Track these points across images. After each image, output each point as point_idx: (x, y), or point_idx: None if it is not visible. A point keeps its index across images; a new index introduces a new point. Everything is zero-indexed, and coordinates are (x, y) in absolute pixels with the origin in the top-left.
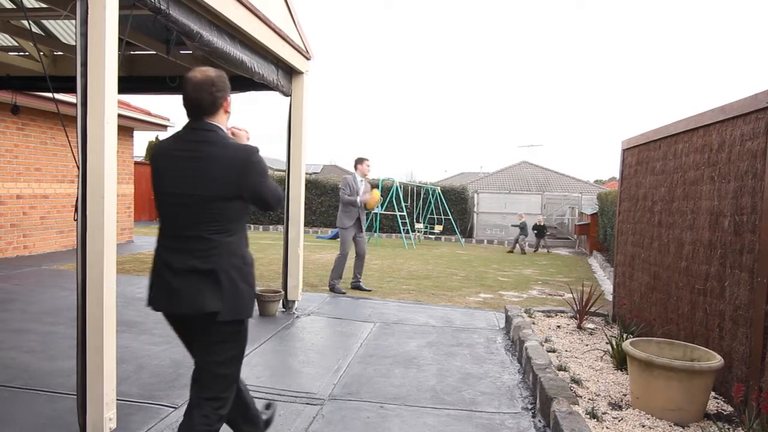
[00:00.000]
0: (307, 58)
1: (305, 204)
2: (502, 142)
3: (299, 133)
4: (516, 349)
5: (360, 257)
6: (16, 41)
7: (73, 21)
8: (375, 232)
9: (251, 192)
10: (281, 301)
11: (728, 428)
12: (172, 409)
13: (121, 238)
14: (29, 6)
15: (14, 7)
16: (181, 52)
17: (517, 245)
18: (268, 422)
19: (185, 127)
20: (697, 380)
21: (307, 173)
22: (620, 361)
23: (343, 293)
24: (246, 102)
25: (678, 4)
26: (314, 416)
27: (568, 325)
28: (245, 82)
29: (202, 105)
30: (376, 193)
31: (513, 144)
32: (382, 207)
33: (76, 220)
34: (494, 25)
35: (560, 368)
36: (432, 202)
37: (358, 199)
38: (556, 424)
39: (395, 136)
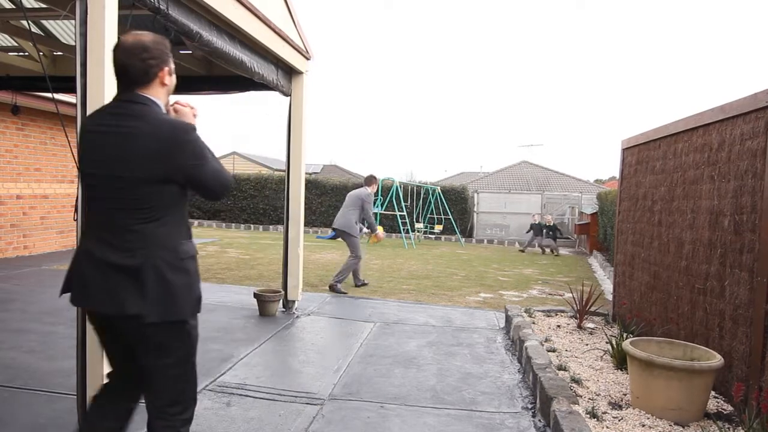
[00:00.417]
0: (307, 58)
1: (305, 204)
2: (502, 142)
3: (299, 133)
4: (516, 348)
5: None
6: (15, 41)
7: (73, 21)
8: (374, 231)
9: (185, 176)
10: (281, 301)
11: (728, 428)
12: None
13: None
14: (29, 6)
15: (14, 7)
16: (181, 51)
17: (536, 246)
18: None
19: (113, 99)
20: (697, 380)
21: (307, 173)
22: (620, 360)
23: (345, 293)
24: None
25: (678, 4)
26: (314, 416)
27: (568, 324)
28: (245, 81)
29: (131, 73)
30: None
31: (513, 144)
32: (382, 207)
33: (76, 220)
34: (494, 24)
35: (560, 368)
36: (432, 201)
37: (379, 230)
38: (556, 424)
39: (395, 135)
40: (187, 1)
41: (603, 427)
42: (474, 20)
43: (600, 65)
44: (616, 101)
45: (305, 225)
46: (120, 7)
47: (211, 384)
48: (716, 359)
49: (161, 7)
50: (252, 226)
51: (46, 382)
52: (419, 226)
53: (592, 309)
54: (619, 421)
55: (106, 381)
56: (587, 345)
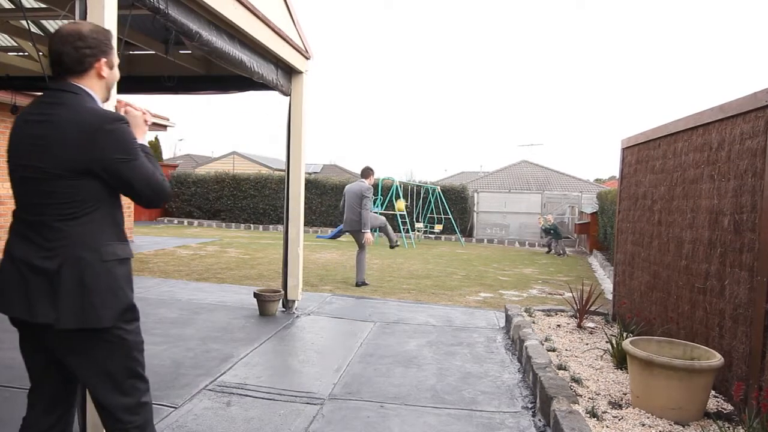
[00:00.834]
0: (307, 58)
1: (305, 204)
2: (502, 142)
3: (299, 133)
4: (516, 348)
5: None
6: (15, 41)
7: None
8: (375, 231)
9: (107, 171)
10: (281, 300)
11: (728, 427)
12: (172, 409)
13: None
14: (28, 6)
15: (13, 7)
16: (181, 51)
17: (551, 249)
18: None
19: (45, 88)
20: (697, 379)
21: (307, 173)
22: (620, 360)
23: (367, 284)
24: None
25: (678, 4)
26: (314, 416)
27: (568, 324)
28: (244, 81)
29: (64, 61)
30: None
31: (513, 143)
32: (381, 206)
33: None
34: (494, 24)
35: (560, 367)
36: (432, 201)
37: (368, 234)
38: (556, 423)
39: (395, 135)
40: (187, 1)
41: (603, 427)
42: (474, 20)
43: (600, 65)
44: (616, 101)
45: (305, 225)
46: (119, 7)
47: (211, 384)
48: (716, 358)
49: (161, 6)
50: (252, 225)
51: None
52: (419, 225)
53: (592, 308)
54: (619, 420)
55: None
56: (587, 344)
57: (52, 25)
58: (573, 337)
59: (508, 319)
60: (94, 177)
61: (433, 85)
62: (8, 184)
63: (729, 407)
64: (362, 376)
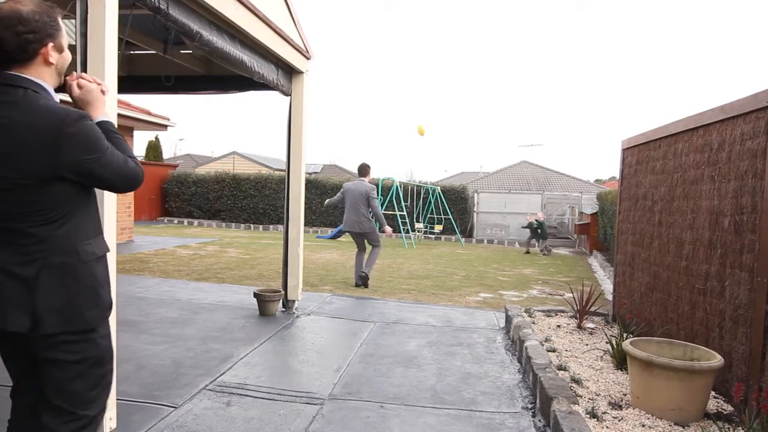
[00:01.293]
0: (307, 58)
1: (305, 204)
2: (502, 142)
3: (299, 133)
4: (516, 348)
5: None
6: None
7: (73, 20)
8: (382, 230)
9: (77, 173)
10: (281, 300)
11: (728, 428)
12: (172, 409)
13: (121, 238)
14: None
15: None
16: (181, 51)
17: (535, 247)
18: None
19: None
20: (697, 380)
21: (307, 173)
22: (620, 360)
23: (368, 278)
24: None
25: (678, 4)
26: (314, 416)
27: (568, 324)
28: (245, 81)
29: (6, 50)
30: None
31: (513, 143)
32: (381, 207)
33: None
34: (494, 24)
35: (560, 368)
36: (432, 201)
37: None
38: (556, 424)
39: (395, 135)
40: (188, 1)
41: (603, 427)
42: (474, 20)
43: (600, 65)
44: (616, 101)
45: (305, 225)
46: (120, 7)
47: (210, 384)
48: (716, 359)
49: (161, 6)
50: (252, 225)
51: None
52: (419, 226)
53: (592, 309)
54: (619, 421)
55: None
56: (587, 345)
57: None
58: (573, 337)
59: (508, 320)
60: (63, 180)
61: (433, 85)
62: None
63: (729, 408)
64: (362, 376)
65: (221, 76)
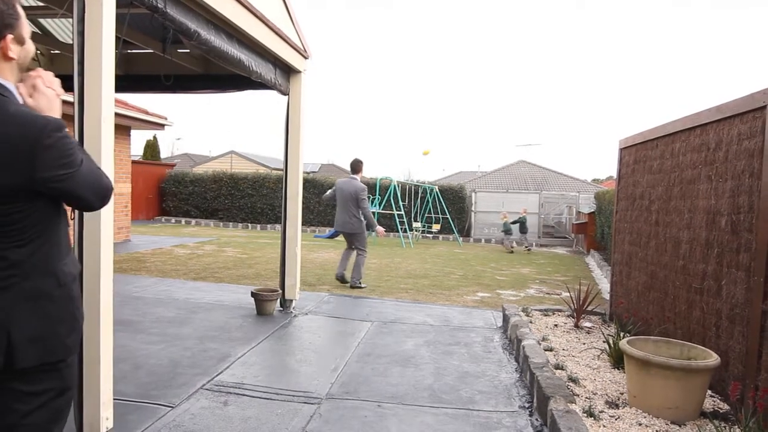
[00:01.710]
0: (305, 57)
1: (303, 203)
2: (500, 142)
3: (297, 132)
4: (513, 347)
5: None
6: None
7: (70, 19)
8: (373, 231)
9: (53, 190)
10: (279, 300)
11: (725, 426)
12: (169, 408)
13: (119, 238)
14: (26, 4)
15: None
16: (179, 50)
17: (506, 243)
18: None
19: None
20: (694, 379)
21: (305, 172)
22: (617, 359)
23: (364, 287)
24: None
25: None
26: (312, 415)
27: (566, 323)
28: (243, 80)
29: None
30: (381, 229)
31: (511, 143)
32: (380, 206)
33: (73, 219)
34: (493, 24)
35: (557, 367)
36: (430, 201)
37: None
38: (553, 423)
39: (393, 135)
40: (186, 0)
41: (600, 426)
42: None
43: (598, 65)
44: (613, 101)
45: (303, 224)
46: (118, 6)
47: (208, 383)
48: (713, 358)
49: (159, 5)
50: (249, 225)
51: None
52: (417, 225)
53: (590, 308)
54: (616, 420)
55: None
56: (584, 344)
57: (50, 24)
58: (570, 336)
59: (506, 319)
60: (36, 196)
61: (431, 85)
62: None
63: (725, 407)
64: (360, 376)
65: (219, 76)
